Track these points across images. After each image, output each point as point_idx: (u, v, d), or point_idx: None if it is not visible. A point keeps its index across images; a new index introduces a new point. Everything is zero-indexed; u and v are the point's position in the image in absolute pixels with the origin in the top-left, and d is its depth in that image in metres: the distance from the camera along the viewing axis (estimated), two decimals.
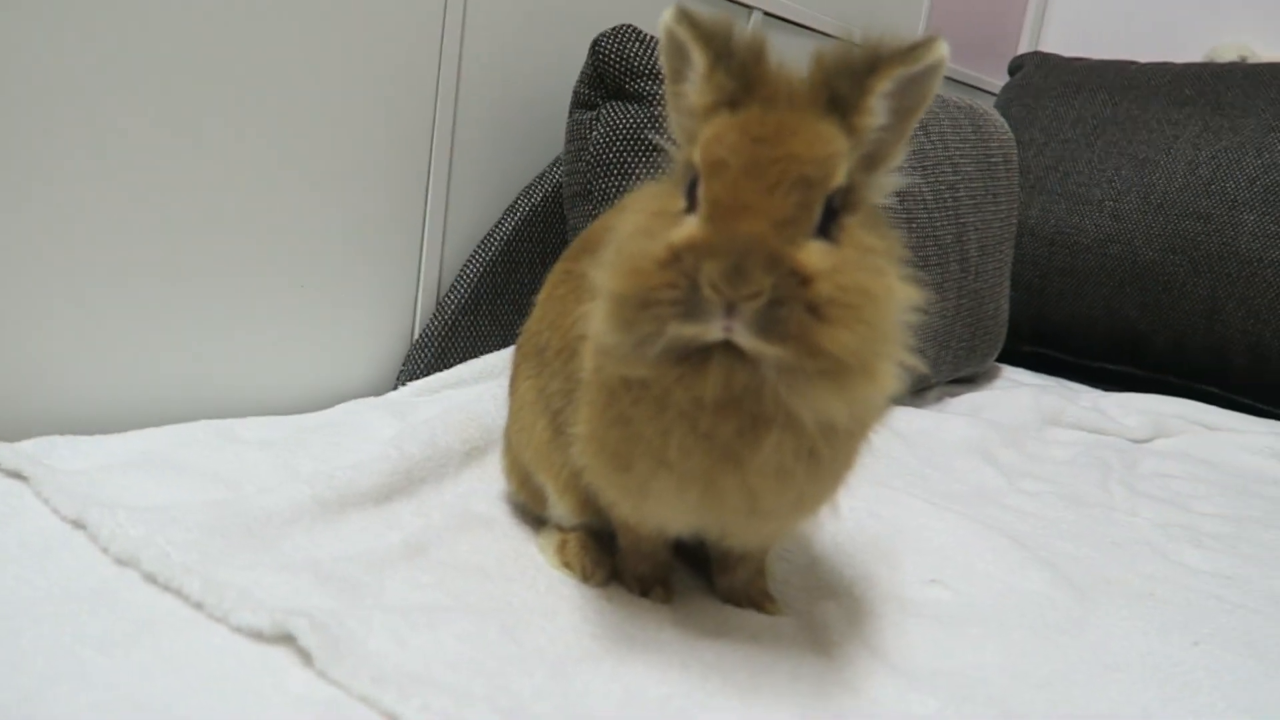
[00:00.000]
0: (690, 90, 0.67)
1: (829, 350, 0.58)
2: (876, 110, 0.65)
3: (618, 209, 0.79)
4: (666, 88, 0.70)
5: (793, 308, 0.58)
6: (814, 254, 0.59)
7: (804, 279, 0.58)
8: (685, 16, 0.66)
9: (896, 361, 0.64)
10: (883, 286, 0.62)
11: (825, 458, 0.66)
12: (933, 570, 0.97)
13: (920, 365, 0.67)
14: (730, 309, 0.58)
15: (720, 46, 0.65)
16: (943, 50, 0.64)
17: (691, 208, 0.62)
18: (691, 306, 0.58)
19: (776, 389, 0.61)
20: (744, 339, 0.59)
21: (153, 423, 1.07)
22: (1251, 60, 2.45)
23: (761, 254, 0.57)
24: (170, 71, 1.06)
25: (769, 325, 0.58)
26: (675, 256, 0.59)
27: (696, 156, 0.63)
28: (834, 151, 0.62)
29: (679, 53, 0.67)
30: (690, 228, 0.61)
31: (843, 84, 0.64)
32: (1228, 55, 2.57)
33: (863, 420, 0.69)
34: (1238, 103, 2.13)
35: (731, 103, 0.65)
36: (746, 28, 0.66)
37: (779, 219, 0.59)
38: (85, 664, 0.61)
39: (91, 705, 0.57)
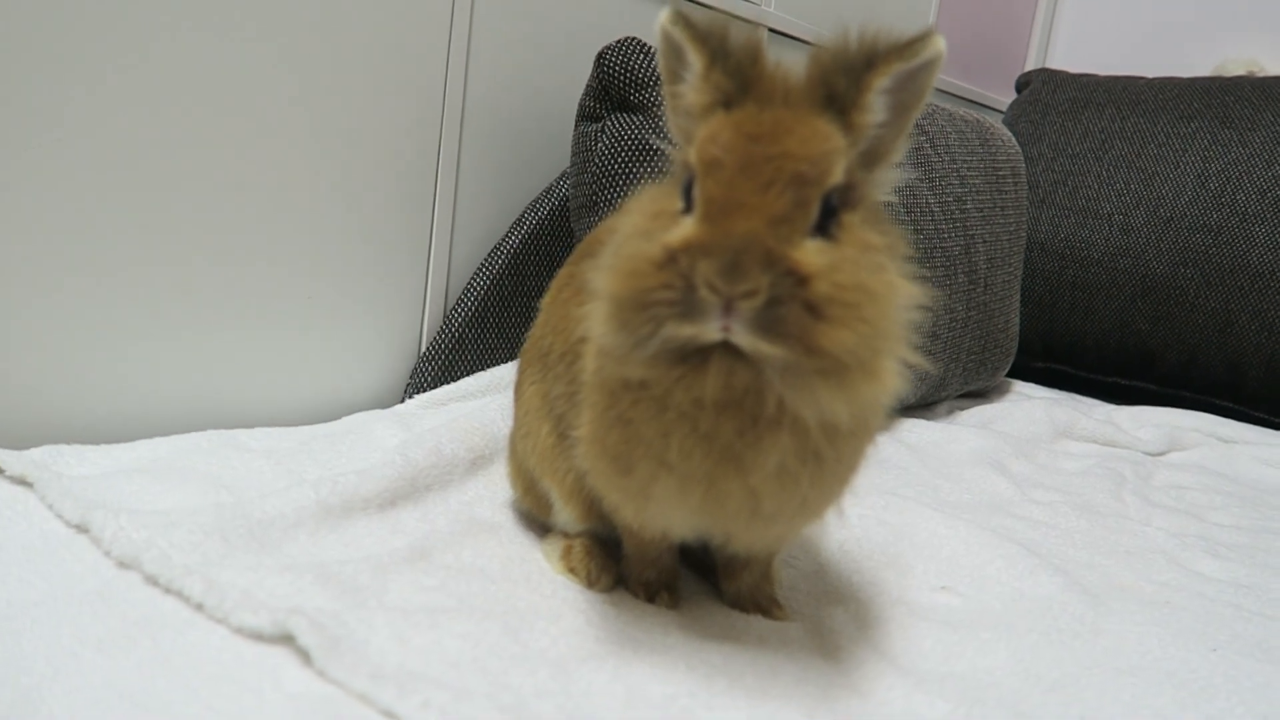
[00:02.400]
0: (687, 91, 0.67)
1: (828, 350, 0.58)
2: (875, 107, 0.64)
3: (620, 212, 0.80)
4: (664, 89, 0.70)
5: (791, 307, 0.57)
6: (811, 253, 0.59)
7: (801, 278, 0.57)
8: (681, 18, 0.67)
9: (899, 359, 0.63)
10: (883, 283, 0.61)
11: (829, 459, 0.66)
12: (942, 576, 0.96)
13: (924, 363, 0.66)
14: (728, 308, 0.57)
15: (716, 46, 0.66)
16: (940, 45, 0.64)
17: (689, 208, 0.62)
18: (688, 307, 0.58)
19: (778, 389, 0.60)
20: (742, 339, 0.58)
21: (159, 433, 1.08)
22: (1259, 74, 2.45)
23: (757, 251, 0.57)
24: (181, 84, 1.08)
25: (767, 325, 0.57)
26: (671, 257, 0.59)
27: (692, 156, 0.63)
28: (830, 149, 0.62)
29: (675, 54, 0.68)
30: (686, 228, 0.60)
31: (840, 81, 0.64)
32: (1235, 70, 2.56)
33: (866, 421, 0.68)
34: (1246, 116, 2.12)
35: (728, 102, 0.65)
36: (743, 30, 0.67)
37: (774, 217, 0.58)
38: (84, 663, 0.60)
39: (89, 704, 0.57)
